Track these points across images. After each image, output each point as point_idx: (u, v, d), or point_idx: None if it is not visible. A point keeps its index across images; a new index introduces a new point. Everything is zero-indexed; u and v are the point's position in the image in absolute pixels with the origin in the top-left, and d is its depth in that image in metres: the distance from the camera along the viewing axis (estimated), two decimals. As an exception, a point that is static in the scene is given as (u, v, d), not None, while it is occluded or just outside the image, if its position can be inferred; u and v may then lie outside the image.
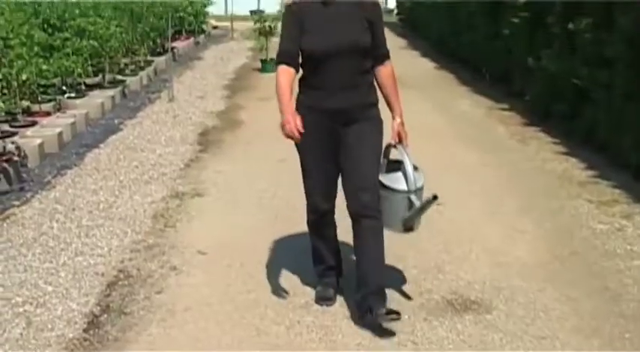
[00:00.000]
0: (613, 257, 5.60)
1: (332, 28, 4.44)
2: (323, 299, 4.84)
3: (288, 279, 5.20)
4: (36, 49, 10.34)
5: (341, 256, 5.02)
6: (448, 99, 12.18)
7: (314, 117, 4.43)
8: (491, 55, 12.83)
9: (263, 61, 15.47)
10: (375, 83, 4.66)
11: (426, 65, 16.64)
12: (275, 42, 17.69)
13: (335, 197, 4.72)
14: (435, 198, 4.42)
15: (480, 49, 13.68)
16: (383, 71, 4.63)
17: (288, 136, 4.33)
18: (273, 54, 15.90)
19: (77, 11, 14.34)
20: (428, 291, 5.02)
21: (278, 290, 5.02)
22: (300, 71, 4.57)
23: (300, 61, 4.54)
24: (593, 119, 8.48)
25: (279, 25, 16.69)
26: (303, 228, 5.00)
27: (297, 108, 4.49)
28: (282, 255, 5.61)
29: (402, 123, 4.62)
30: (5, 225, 6.46)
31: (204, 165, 8.33)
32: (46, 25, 12.83)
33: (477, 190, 7.31)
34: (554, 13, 9.60)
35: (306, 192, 4.73)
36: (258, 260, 5.55)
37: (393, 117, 4.64)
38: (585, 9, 8.68)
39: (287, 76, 4.45)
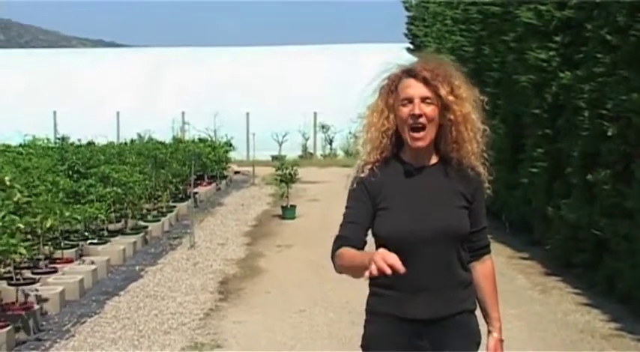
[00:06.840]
0: None
1: (416, 207, 3.27)
2: None
3: None
4: (60, 195, 10.50)
5: None
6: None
7: (388, 329, 3.29)
8: (511, 203, 12.89)
9: (284, 208, 15.58)
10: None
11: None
12: (296, 188, 17.96)
13: None
14: None
15: (500, 198, 13.75)
16: (479, 269, 3.46)
17: (388, 270, 2.84)
18: (293, 200, 16.18)
19: (102, 157, 14.69)
20: None
21: None
22: None
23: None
24: (615, 270, 8.45)
25: (299, 171, 17.21)
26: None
27: (367, 317, 3.41)
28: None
29: (501, 341, 3.50)
30: (22, 376, 6.43)
31: (223, 314, 8.29)
32: (71, 172, 13.08)
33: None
34: (572, 164, 9.70)
35: None
36: None
37: (489, 332, 3.50)
38: (604, 161, 8.78)
39: (348, 249, 3.21)
